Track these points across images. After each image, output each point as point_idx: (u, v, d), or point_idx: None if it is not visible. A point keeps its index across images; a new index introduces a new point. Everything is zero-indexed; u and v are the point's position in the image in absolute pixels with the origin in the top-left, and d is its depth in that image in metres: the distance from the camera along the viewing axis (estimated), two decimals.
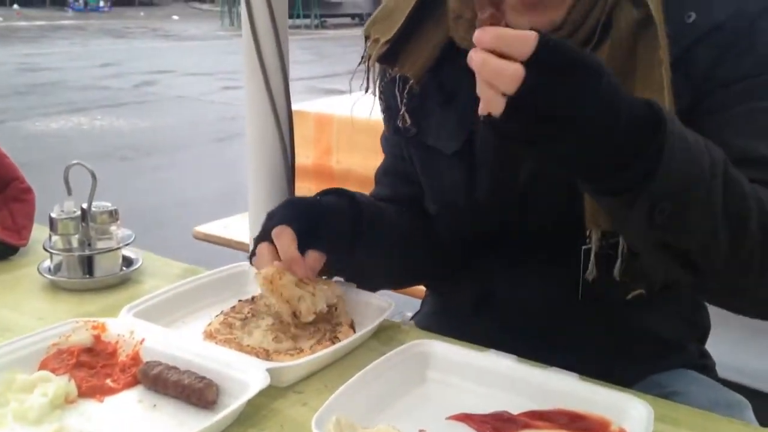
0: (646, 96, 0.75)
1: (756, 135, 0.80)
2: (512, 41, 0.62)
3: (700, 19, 0.82)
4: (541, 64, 0.61)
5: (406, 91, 0.98)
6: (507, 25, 0.65)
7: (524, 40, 0.62)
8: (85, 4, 17.49)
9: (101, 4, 17.76)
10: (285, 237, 0.88)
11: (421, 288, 1.20)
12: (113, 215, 1.12)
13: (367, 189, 1.13)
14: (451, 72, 0.92)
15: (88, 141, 6.07)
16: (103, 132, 6.42)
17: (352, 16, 17.45)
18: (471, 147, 0.93)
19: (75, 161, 1.09)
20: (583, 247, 0.87)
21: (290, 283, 0.88)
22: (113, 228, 1.12)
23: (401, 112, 0.99)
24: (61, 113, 6.91)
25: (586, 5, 0.84)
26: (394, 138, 1.05)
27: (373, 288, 1.03)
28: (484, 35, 0.63)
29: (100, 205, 1.12)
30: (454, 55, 0.92)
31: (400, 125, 1.01)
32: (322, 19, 16.58)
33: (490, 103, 0.63)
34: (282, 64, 1.40)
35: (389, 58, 0.95)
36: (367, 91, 1.02)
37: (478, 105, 0.90)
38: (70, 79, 8.83)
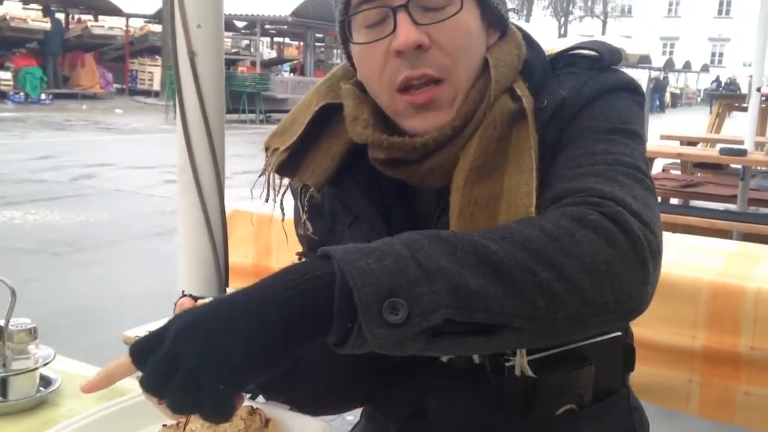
0: (515, 177, 0.81)
1: (572, 178, 0.80)
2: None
3: (549, 103, 0.88)
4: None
5: (306, 200, 0.99)
6: None
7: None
8: (26, 96, 17.29)
9: (42, 96, 17.59)
10: None
11: None
12: (32, 333, 1.06)
13: None
14: (352, 190, 0.94)
15: (20, 236, 5.86)
16: (36, 226, 6.22)
17: None
18: None
19: None
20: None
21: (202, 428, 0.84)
22: (31, 347, 1.06)
23: (302, 221, 1.02)
24: None
25: (474, 100, 0.88)
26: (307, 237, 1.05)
27: (306, 409, 0.99)
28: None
29: (18, 322, 1.06)
30: (354, 169, 0.94)
31: (301, 233, 1.03)
32: (267, 114, 16.84)
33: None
34: (215, 164, 1.38)
35: (289, 169, 0.97)
36: (267, 200, 1.02)
37: (377, 223, 0.91)
38: (5, 172, 8.61)
